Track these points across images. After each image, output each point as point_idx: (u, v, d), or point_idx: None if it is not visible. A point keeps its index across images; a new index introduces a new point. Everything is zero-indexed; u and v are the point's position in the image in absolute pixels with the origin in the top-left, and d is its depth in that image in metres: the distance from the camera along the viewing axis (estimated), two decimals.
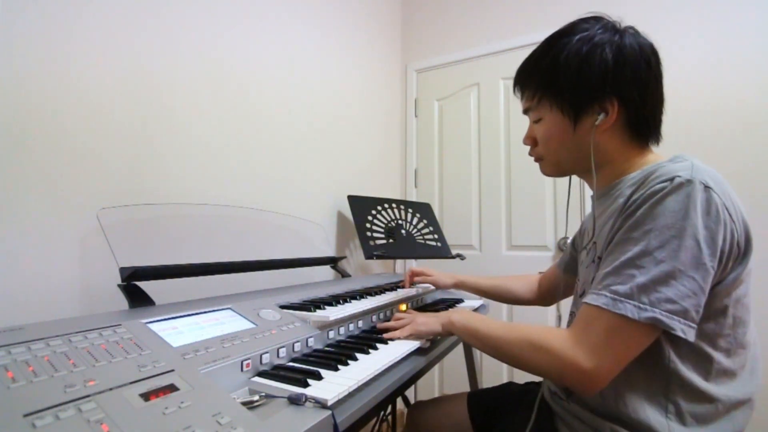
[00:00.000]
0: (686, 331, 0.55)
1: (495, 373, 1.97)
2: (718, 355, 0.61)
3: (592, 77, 0.67)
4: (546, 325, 0.67)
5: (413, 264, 2.27)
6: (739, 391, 0.62)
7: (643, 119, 0.69)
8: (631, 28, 0.70)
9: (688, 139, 1.62)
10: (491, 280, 1.22)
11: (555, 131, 0.74)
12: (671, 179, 0.58)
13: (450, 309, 1.27)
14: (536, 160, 0.82)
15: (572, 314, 0.82)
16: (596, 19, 0.71)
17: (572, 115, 0.71)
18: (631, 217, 0.61)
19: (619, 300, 0.57)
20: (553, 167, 0.80)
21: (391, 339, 0.87)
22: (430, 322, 0.88)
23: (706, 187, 0.57)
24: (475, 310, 1.31)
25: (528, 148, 0.83)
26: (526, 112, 0.79)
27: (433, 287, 1.35)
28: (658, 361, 0.61)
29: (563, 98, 0.71)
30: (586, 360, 0.58)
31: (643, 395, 0.62)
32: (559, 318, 1.88)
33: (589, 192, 0.80)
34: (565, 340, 0.62)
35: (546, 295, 1.12)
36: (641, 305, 0.56)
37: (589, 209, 0.83)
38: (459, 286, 1.26)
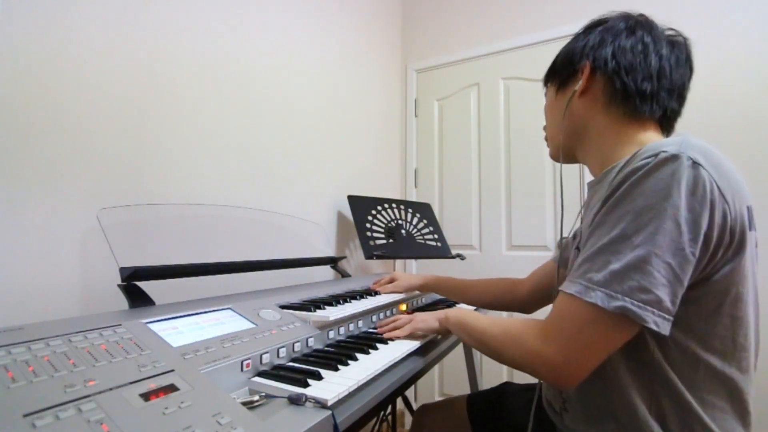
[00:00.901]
0: (660, 323, 0.50)
1: (495, 373, 1.97)
2: (710, 359, 0.56)
3: (575, 49, 0.73)
4: (527, 318, 0.65)
5: (413, 264, 2.28)
6: (728, 399, 0.57)
7: (620, 82, 0.66)
8: (640, 14, 0.71)
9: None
10: (468, 281, 1.13)
11: (548, 103, 0.80)
12: (656, 154, 0.53)
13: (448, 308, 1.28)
14: (548, 144, 0.85)
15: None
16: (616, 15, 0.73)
17: (557, 83, 0.76)
18: (611, 198, 0.56)
19: (592, 288, 0.53)
20: (550, 145, 0.82)
21: (391, 339, 0.88)
22: (428, 319, 0.89)
23: (695, 163, 0.51)
24: (476, 309, 1.31)
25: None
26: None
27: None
28: (644, 359, 0.58)
29: (555, 72, 0.77)
30: (556, 353, 0.55)
31: (631, 398, 0.58)
32: None
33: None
34: (537, 332, 0.59)
35: (539, 294, 1.00)
36: (612, 293, 0.51)
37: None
38: (428, 288, 1.17)
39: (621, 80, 0.67)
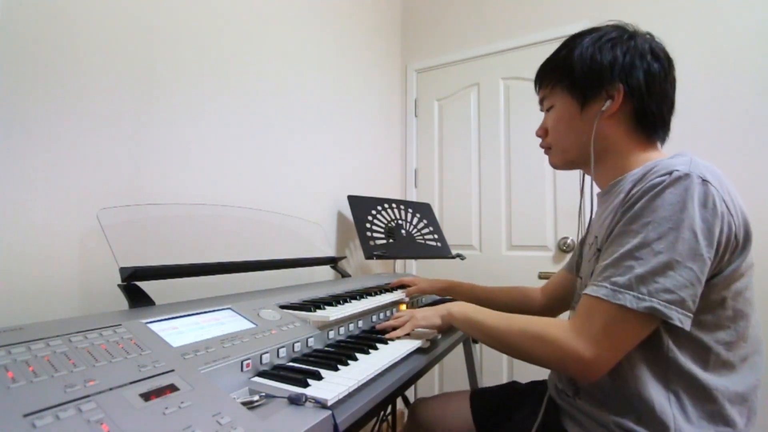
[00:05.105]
0: (683, 320, 0.57)
1: (495, 373, 1.97)
2: (717, 347, 0.63)
3: (602, 66, 0.73)
4: (544, 317, 0.70)
5: (413, 265, 2.28)
6: (737, 383, 0.63)
7: (649, 112, 0.72)
8: (648, 33, 0.76)
9: (693, 142, 1.62)
10: (487, 288, 1.15)
11: (564, 115, 0.79)
12: (669, 173, 0.60)
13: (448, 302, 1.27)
14: (546, 151, 0.86)
15: (572, 309, 0.82)
16: (614, 26, 0.77)
17: (581, 99, 0.76)
18: (630, 210, 0.63)
19: (619, 291, 0.59)
20: (560, 155, 0.83)
21: (392, 339, 0.87)
22: (429, 315, 0.89)
23: (704, 181, 0.59)
24: None
25: (535, 149, 0.85)
26: (541, 102, 0.85)
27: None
28: (657, 350, 0.63)
29: (574, 85, 0.77)
30: (587, 349, 0.60)
31: (646, 385, 0.63)
32: None
33: (595, 191, 0.83)
34: (566, 330, 0.64)
35: (554, 303, 1.04)
36: (640, 295, 0.58)
37: (594, 209, 0.86)
38: (448, 291, 1.18)
39: (650, 108, 0.72)
